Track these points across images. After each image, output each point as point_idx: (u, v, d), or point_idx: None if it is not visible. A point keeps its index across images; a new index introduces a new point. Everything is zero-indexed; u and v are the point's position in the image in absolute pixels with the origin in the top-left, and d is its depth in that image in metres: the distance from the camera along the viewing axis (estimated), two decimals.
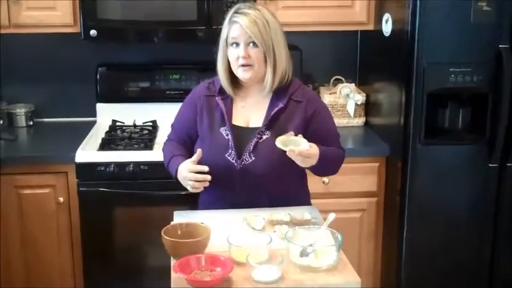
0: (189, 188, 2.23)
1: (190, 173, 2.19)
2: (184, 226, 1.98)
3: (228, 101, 2.33)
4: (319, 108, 2.33)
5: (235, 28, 2.22)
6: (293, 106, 2.30)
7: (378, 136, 3.21)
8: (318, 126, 2.30)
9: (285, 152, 2.12)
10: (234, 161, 2.27)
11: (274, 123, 2.28)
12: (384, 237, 3.12)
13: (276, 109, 2.28)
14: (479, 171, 2.86)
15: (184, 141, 2.40)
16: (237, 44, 2.23)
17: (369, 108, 3.40)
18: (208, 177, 2.18)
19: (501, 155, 2.83)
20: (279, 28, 2.27)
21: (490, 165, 2.85)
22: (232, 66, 2.27)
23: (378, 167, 3.07)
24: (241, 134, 2.30)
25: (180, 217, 2.24)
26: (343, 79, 3.53)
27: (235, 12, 2.25)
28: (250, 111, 2.34)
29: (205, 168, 2.19)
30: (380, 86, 3.25)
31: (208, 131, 2.33)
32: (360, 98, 3.37)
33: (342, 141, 2.42)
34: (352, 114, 3.38)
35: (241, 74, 2.26)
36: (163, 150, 2.47)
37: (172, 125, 2.49)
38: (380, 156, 3.07)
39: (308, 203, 2.41)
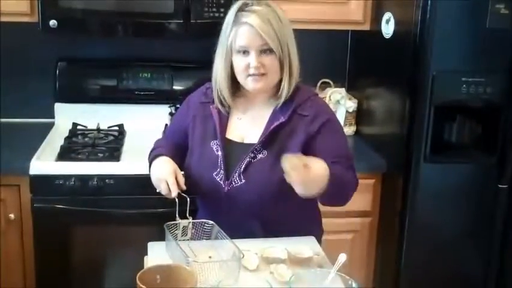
0: (158, 190, 1.95)
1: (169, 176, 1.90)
2: (164, 269, 1.62)
3: (224, 111, 2.02)
4: (326, 124, 1.96)
5: (245, 31, 1.87)
6: (296, 120, 1.96)
7: (371, 148, 2.91)
8: (322, 145, 1.94)
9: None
10: (221, 182, 1.96)
11: (273, 141, 1.94)
12: (378, 261, 2.85)
13: (275, 123, 1.94)
14: (488, 193, 2.61)
15: (175, 154, 2.05)
16: (247, 52, 1.88)
17: (359, 116, 3.11)
18: (183, 187, 1.92)
19: None
20: (289, 23, 1.94)
21: (500, 186, 2.60)
22: (238, 75, 1.94)
23: (373, 183, 2.78)
24: (233, 151, 1.97)
25: (155, 251, 1.89)
26: (331, 83, 3.23)
27: (241, 9, 1.89)
28: (248, 124, 2.01)
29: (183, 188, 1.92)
30: (375, 92, 2.96)
31: (199, 143, 2.03)
32: (352, 105, 3.07)
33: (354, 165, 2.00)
34: (342, 122, 3.08)
35: (251, 84, 1.92)
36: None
37: (167, 132, 2.24)
38: (376, 172, 2.78)
39: (315, 231, 2.06)
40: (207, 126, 2.02)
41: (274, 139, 1.94)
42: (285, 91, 1.94)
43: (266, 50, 1.87)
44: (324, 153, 1.89)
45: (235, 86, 1.98)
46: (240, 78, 1.93)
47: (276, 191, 1.91)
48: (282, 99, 1.95)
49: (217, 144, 1.98)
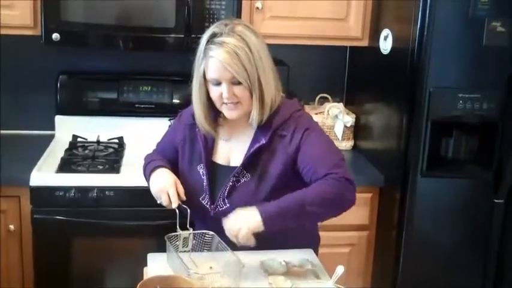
0: (159, 201, 1.97)
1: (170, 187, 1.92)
2: (164, 280, 1.63)
3: (208, 133, 2.02)
4: (303, 138, 1.92)
5: (213, 65, 1.85)
6: (276, 142, 1.94)
7: (369, 163, 2.93)
8: (304, 158, 1.91)
9: (269, 197, 1.86)
10: (208, 206, 1.97)
11: (255, 164, 1.94)
12: (375, 275, 2.85)
13: (256, 146, 1.94)
14: (484, 208, 2.60)
15: (170, 168, 2.06)
16: (219, 82, 1.88)
17: (357, 130, 3.12)
18: (183, 198, 1.94)
19: (508, 190, 2.59)
20: (263, 49, 1.89)
21: (496, 201, 2.60)
22: (215, 103, 1.94)
23: (370, 197, 2.79)
24: (219, 175, 1.99)
25: (154, 262, 1.90)
26: (329, 98, 3.25)
27: (211, 41, 1.85)
28: (233, 147, 2.01)
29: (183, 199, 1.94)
30: (373, 107, 2.98)
31: (186, 167, 2.04)
32: (350, 119, 3.09)
33: (342, 165, 1.91)
34: (340, 137, 3.10)
35: (226, 112, 1.93)
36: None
37: (157, 146, 2.19)
38: (373, 186, 2.79)
39: (308, 243, 2.06)
40: (195, 149, 2.02)
41: (256, 162, 1.94)
42: (254, 121, 1.92)
43: (236, 81, 1.86)
44: (309, 166, 1.88)
45: (215, 109, 1.96)
46: (217, 105, 1.93)
47: None
48: (254, 126, 1.94)
49: (203, 169, 1.99)
